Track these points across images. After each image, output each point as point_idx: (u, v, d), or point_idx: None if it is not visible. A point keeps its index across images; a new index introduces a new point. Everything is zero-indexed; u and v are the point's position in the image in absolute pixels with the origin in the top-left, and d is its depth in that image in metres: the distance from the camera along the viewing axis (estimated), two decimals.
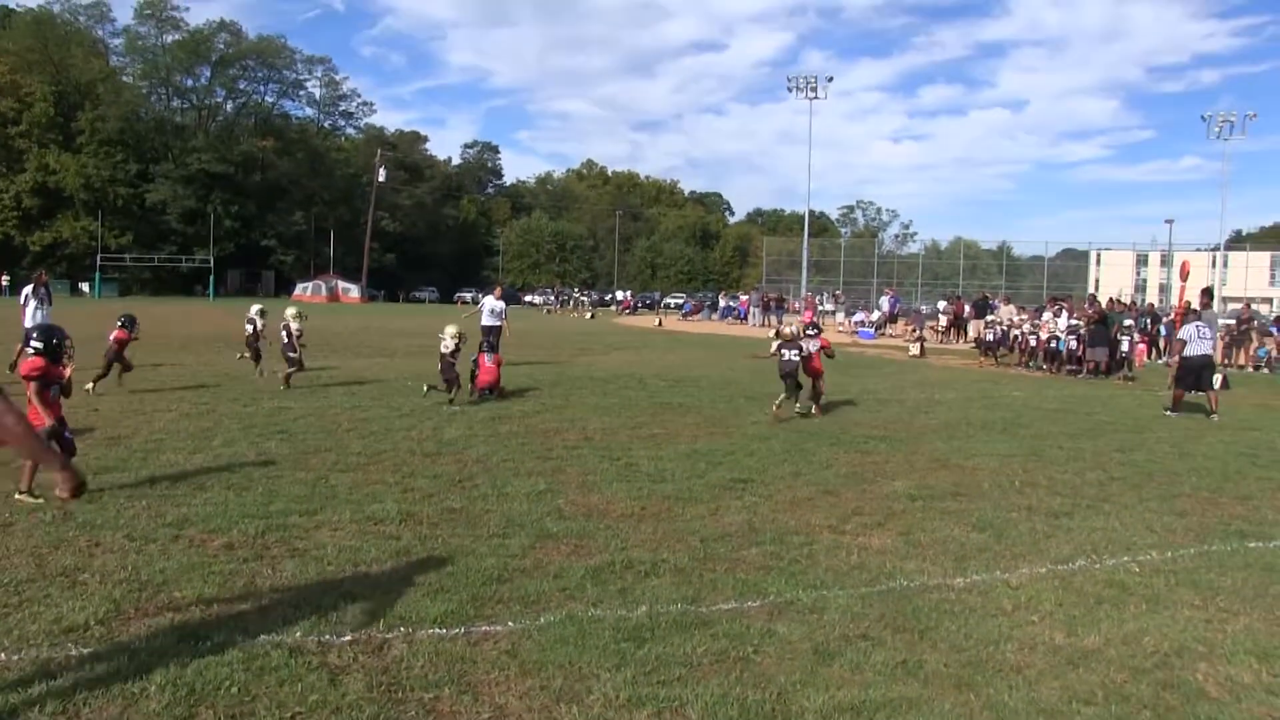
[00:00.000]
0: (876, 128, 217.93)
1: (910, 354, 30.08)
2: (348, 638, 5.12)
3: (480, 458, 10.40)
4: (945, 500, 9.07)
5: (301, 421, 12.54)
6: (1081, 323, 25.09)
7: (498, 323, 21.26)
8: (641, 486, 9.15)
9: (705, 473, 9.94)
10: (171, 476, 8.89)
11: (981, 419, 15.17)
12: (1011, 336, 28.92)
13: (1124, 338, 24.17)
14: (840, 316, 48.17)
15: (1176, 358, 17.41)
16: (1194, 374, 16.76)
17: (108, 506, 7.63)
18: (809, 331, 16.00)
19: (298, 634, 5.13)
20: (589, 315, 61.50)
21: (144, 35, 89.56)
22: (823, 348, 15.67)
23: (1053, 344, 25.89)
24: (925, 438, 12.99)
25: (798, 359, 14.65)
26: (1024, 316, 30.19)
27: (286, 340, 16.44)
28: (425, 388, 15.48)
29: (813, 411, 14.89)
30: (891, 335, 42.19)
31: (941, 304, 45.42)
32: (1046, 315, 28.52)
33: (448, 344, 15.02)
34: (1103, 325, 24.15)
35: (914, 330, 39.34)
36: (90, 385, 14.22)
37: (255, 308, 18.39)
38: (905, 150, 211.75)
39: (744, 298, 57.66)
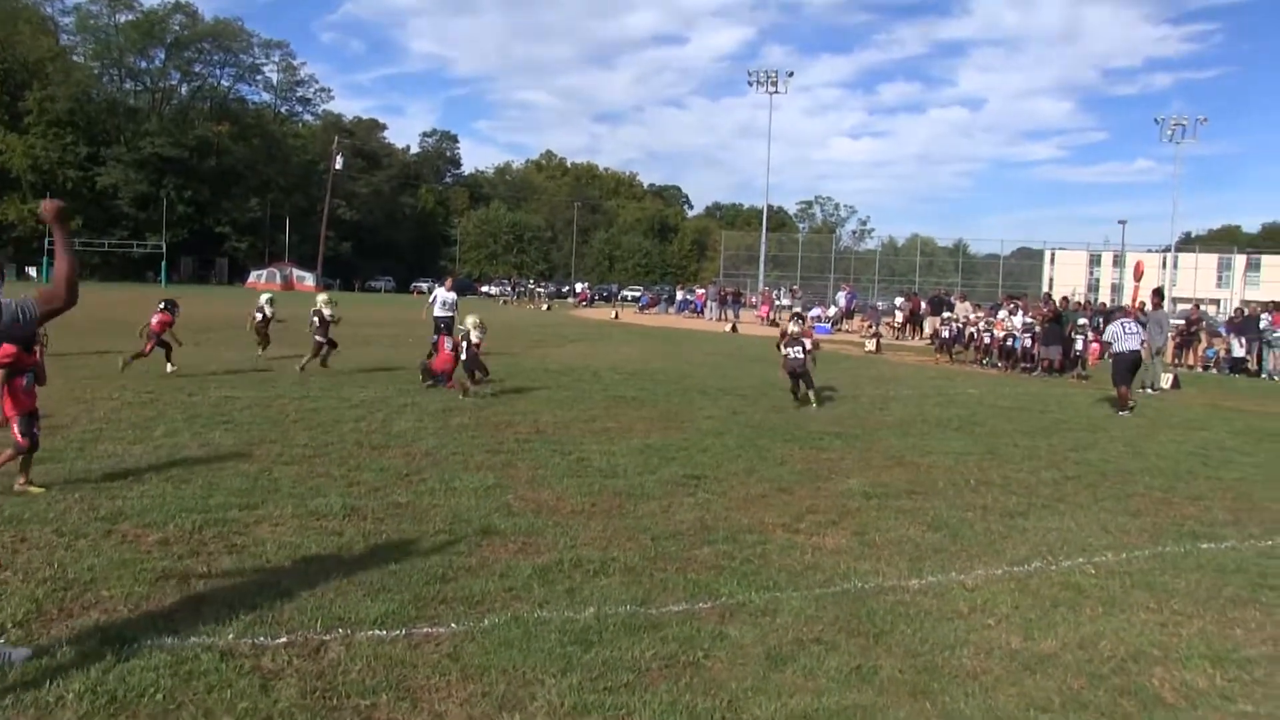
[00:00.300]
0: (836, 124, 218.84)
1: (866, 350, 30.11)
2: (283, 640, 4.91)
3: (429, 451, 10.18)
4: (900, 499, 8.98)
5: (248, 412, 12.24)
6: (1036, 321, 25.24)
7: (450, 314, 21.17)
8: (593, 482, 8.97)
9: (658, 468, 9.78)
10: (108, 468, 8.60)
11: (937, 416, 15.15)
12: (967, 334, 29.05)
13: (1078, 336, 24.33)
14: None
15: (1109, 357, 17.97)
16: (1127, 368, 17.14)
17: (38, 499, 7.35)
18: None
19: (230, 636, 4.91)
20: (545, 307, 61.24)
21: (95, 14, 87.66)
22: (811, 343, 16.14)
23: (1008, 342, 26.03)
24: (881, 434, 12.92)
25: (803, 355, 15.31)
26: (980, 314, 30.34)
27: (319, 324, 17.21)
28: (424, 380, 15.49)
29: (811, 400, 15.35)
30: (848, 331, 42.29)
31: (898, 300, 45.58)
32: (1002, 313, 28.71)
33: (474, 335, 15.29)
34: (1057, 324, 24.24)
35: (870, 326, 39.46)
36: (169, 368, 15.62)
37: (265, 296, 19.14)
38: (864, 147, 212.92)
39: (700, 291, 57.45)
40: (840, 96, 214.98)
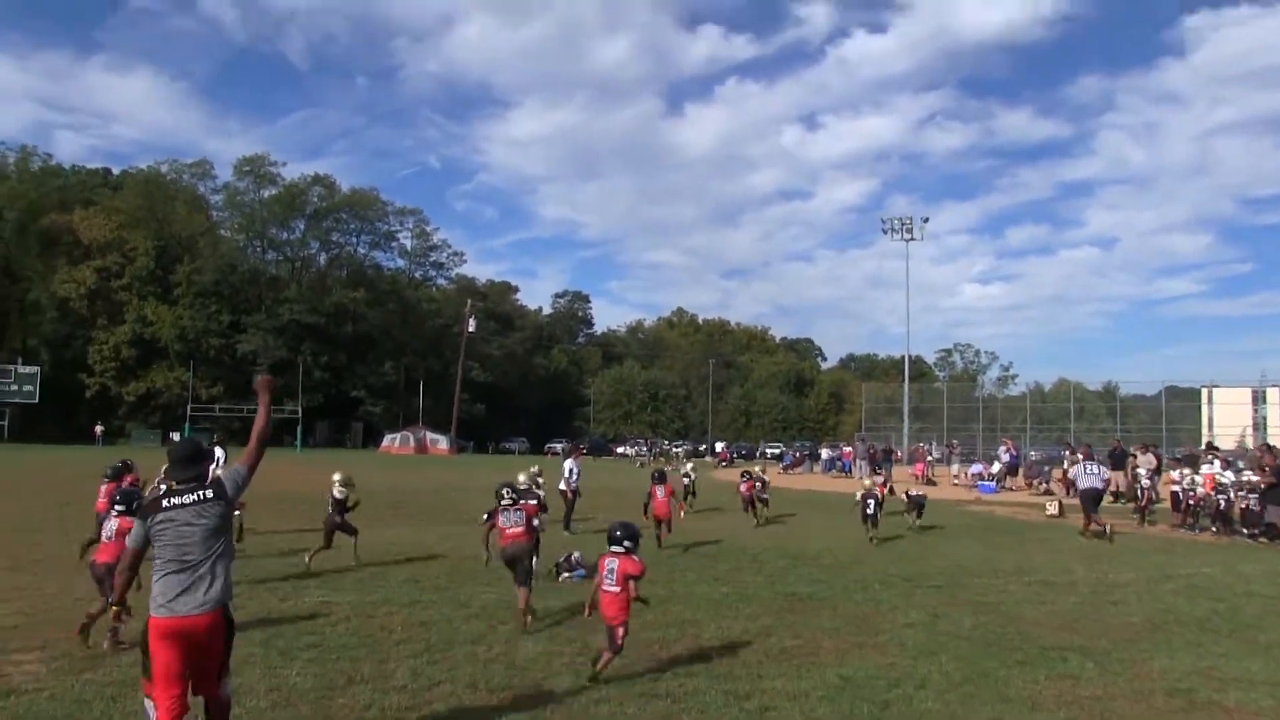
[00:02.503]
0: (965, 270, 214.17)
1: (1048, 513, 26.72)
2: None
3: (564, 697, 7.66)
4: None
5: (343, 627, 10.02)
6: (1262, 479, 21.70)
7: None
8: None
9: None
10: None
11: (1190, 613, 12.02)
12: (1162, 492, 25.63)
13: None
14: (955, 467, 44.54)
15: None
16: (1092, 501, 20.83)
17: None
18: None
19: None
20: (686, 467, 58.69)
21: (242, 190, 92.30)
22: None
23: (1222, 501, 22.55)
24: (1137, 648, 9.95)
25: (875, 508, 19.51)
26: (1185, 470, 26.61)
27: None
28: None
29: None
30: (1012, 489, 38.59)
31: (1065, 453, 41.82)
32: (1208, 468, 25.07)
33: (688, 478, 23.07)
34: None
35: (1040, 483, 36.02)
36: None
37: (689, 464, 23.35)
38: (995, 291, 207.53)
39: (848, 449, 53.91)
40: (967, 243, 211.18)
